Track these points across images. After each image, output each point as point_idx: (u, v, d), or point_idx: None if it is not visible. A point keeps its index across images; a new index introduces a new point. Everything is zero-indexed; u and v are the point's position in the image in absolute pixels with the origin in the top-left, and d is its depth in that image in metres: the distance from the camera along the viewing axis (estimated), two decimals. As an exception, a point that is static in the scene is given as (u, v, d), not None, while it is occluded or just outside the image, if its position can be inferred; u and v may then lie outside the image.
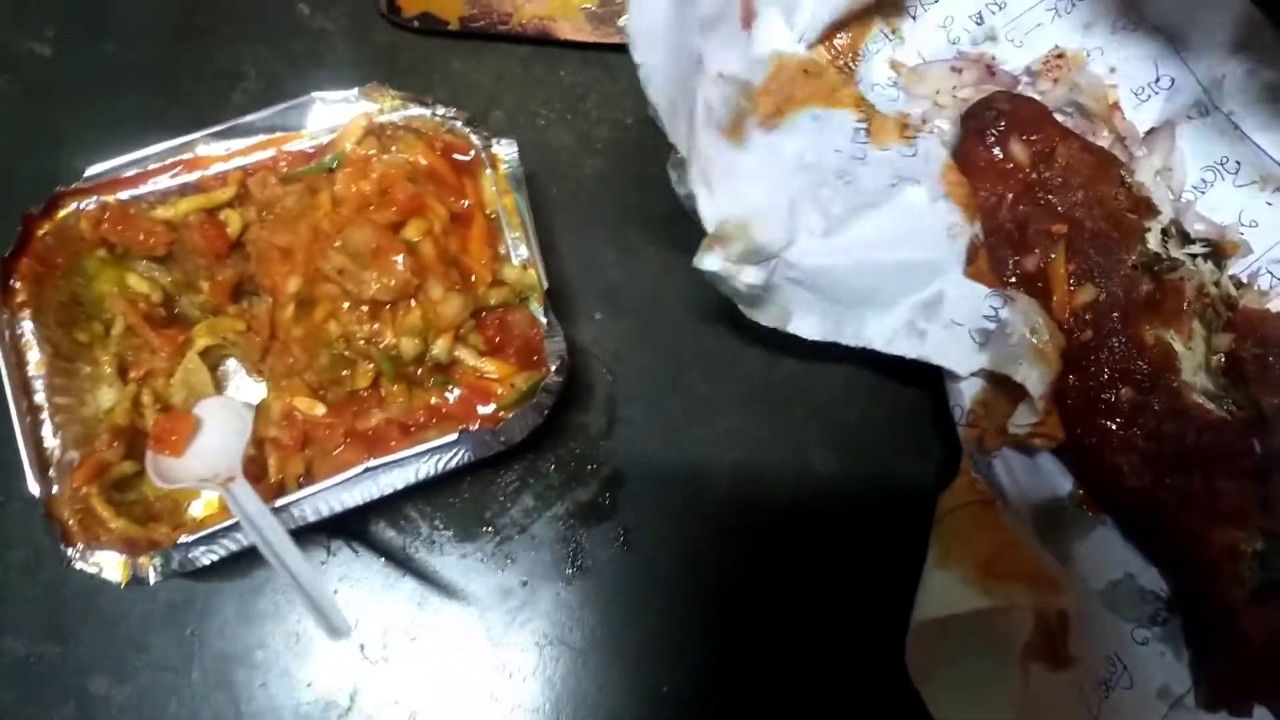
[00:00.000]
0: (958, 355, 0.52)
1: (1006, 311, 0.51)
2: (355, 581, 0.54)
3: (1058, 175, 0.54)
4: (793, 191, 0.52)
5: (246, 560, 0.52)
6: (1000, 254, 0.54)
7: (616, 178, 0.61)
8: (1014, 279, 0.53)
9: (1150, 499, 0.52)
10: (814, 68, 0.56)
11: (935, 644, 0.51)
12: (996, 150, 0.55)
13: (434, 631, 0.53)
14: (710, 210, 0.49)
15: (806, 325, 0.52)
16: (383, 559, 0.54)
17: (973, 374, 0.52)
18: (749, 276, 0.49)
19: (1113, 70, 0.59)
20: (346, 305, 0.49)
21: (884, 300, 0.52)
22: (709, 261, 0.49)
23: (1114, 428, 0.52)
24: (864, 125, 0.55)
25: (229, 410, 0.52)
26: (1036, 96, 0.59)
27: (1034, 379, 0.50)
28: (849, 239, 0.52)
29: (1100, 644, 0.53)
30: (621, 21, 0.61)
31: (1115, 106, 0.59)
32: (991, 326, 0.51)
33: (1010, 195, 0.54)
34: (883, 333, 0.52)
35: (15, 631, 0.52)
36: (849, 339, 0.52)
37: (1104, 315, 0.52)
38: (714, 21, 0.52)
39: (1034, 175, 0.54)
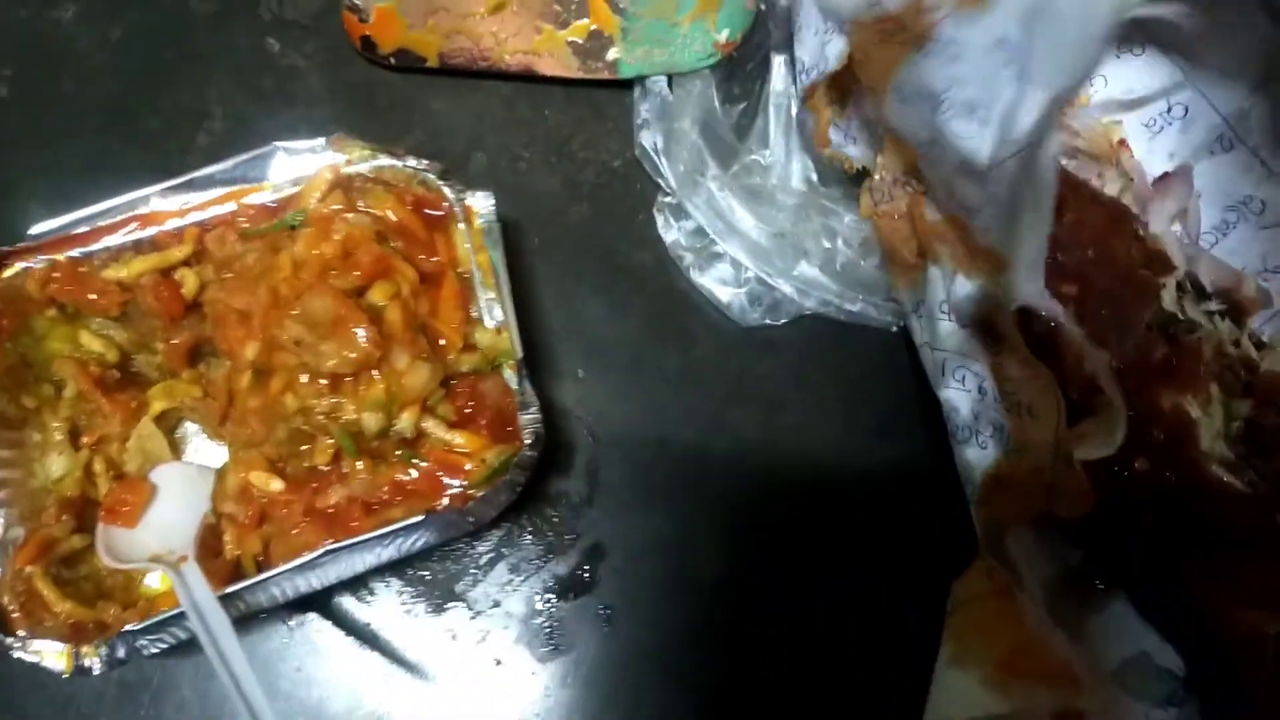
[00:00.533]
0: None
1: None
2: (319, 657, 0.51)
3: (1065, 231, 0.50)
4: None
5: (203, 639, 0.50)
6: None
7: (602, 225, 0.58)
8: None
9: (1169, 578, 0.49)
10: None
11: None
12: None
13: (401, 711, 0.50)
14: None
15: None
16: (346, 634, 0.51)
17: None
18: None
19: (1117, 103, 0.55)
20: (305, 377, 0.46)
21: None
22: None
23: (1128, 502, 0.49)
24: None
25: (186, 478, 0.50)
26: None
27: None
28: None
29: None
30: (610, 55, 0.58)
31: (1122, 144, 0.55)
32: None
33: None
34: None
35: (-41, 713, 0.50)
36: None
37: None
38: None
39: None
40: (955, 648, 0.47)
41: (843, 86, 0.53)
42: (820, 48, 0.51)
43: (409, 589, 0.52)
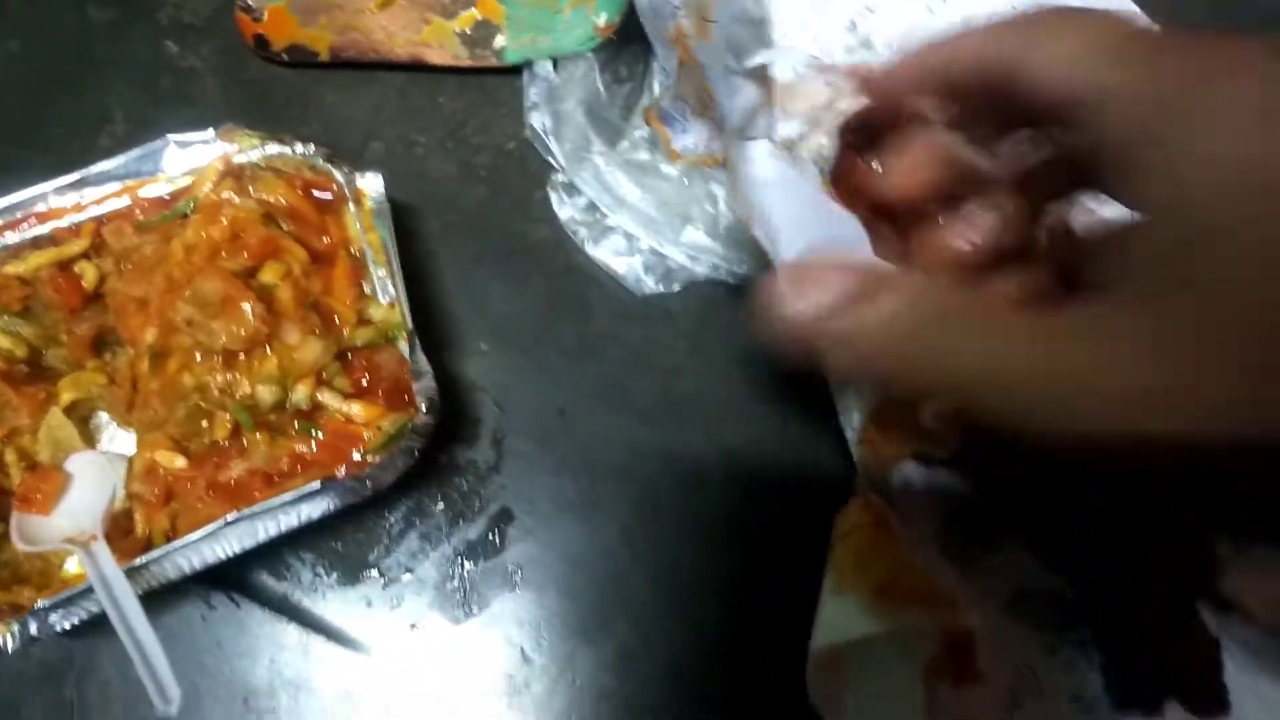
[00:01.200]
0: None
1: None
2: (238, 633, 0.52)
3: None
4: None
5: (122, 618, 0.51)
6: None
7: (499, 205, 0.60)
8: None
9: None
10: None
11: (836, 671, 0.50)
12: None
13: (319, 681, 0.52)
14: None
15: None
16: (263, 608, 0.53)
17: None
18: None
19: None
20: (199, 356, 0.48)
21: None
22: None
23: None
24: None
25: (97, 465, 0.51)
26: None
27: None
28: None
29: (1008, 656, 0.52)
30: (497, 43, 0.60)
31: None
32: None
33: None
34: None
35: (-120, 704, 0.51)
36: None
37: None
38: None
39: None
40: (836, 577, 0.49)
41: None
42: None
43: (322, 561, 0.54)
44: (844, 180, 0.54)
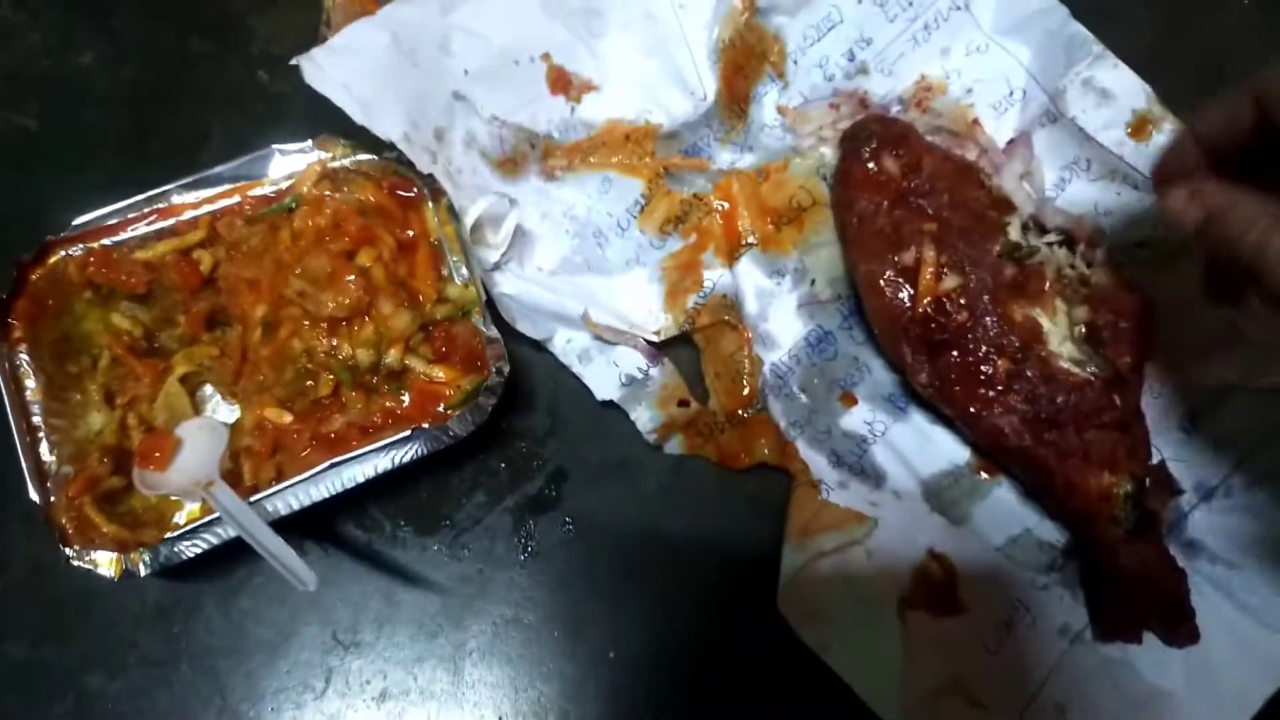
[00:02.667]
0: (602, 385, 0.63)
1: (655, 370, 0.62)
2: (326, 577, 0.59)
3: (925, 183, 0.62)
4: (541, 227, 0.64)
5: (227, 561, 0.58)
6: (880, 253, 0.61)
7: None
8: (894, 273, 0.61)
9: (1032, 456, 0.59)
10: (638, 135, 0.66)
11: (819, 611, 0.58)
12: (871, 165, 0.62)
13: (399, 618, 0.59)
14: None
15: (523, 325, 0.61)
16: (351, 556, 0.60)
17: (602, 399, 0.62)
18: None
19: (969, 90, 0.68)
20: (307, 324, 0.56)
21: (574, 327, 0.63)
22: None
23: (993, 395, 0.59)
24: (643, 201, 0.66)
25: (207, 428, 0.58)
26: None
27: (645, 418, 0.62)
28: (571, 285, 0.63)
29: (1001, 591, 0.60)
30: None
31: (976, 123, 0.67)
32: (639, 376, 0.63)
33: (885, 202, 0.62)
34: (563, 346, 0.63)
35: (17, 636, 0.57)
36: (540, 336, 0.62)
37: (976, 298, 0.59)
38: (486, 72, 0.62)
39: (905, 184, 0.62)
40: (786, 531, 0.59)
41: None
42: None
43: (401, 515, 0.61)
44: (845, 176, 0.63)
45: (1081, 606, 0.60)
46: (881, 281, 0.60)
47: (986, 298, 0.59)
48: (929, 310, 0.59)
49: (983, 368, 0.59)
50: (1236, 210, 0.46)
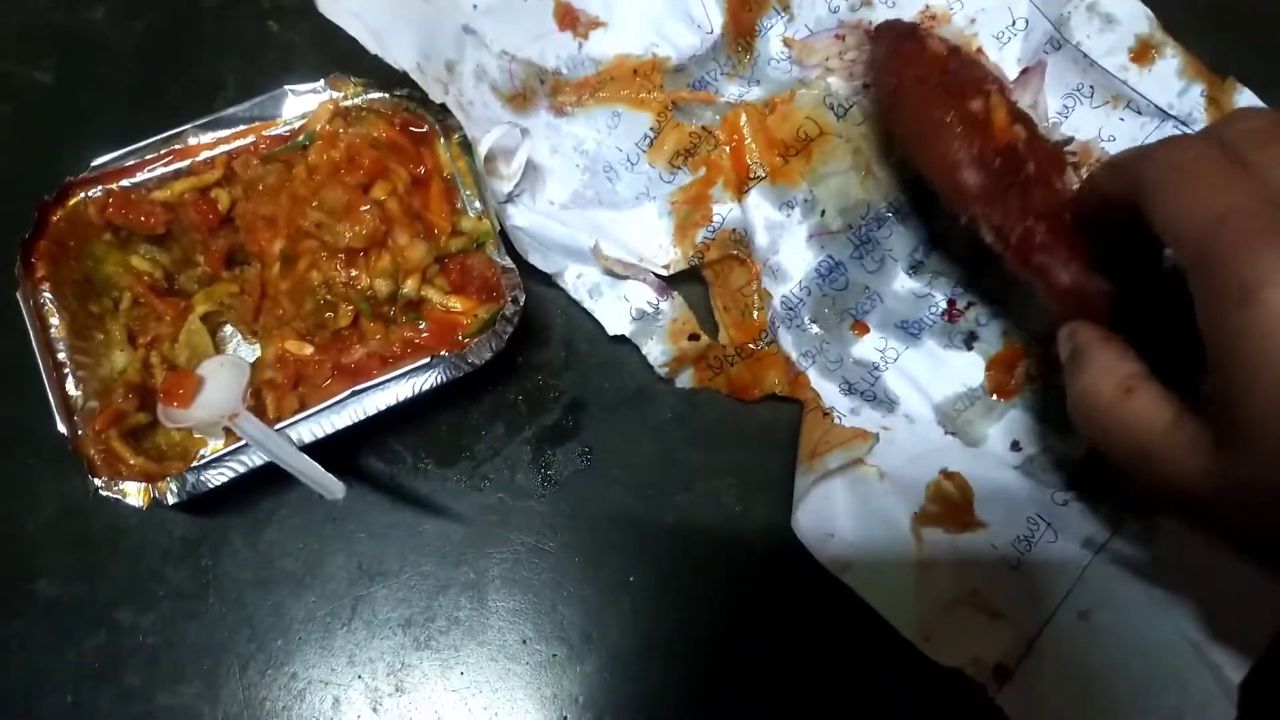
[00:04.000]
0: (613, 319, 0.63)
1: (665, 304, 0.63)
2: (351, 508, 0.60)
3: (966, 64, 0.62)
4: (552, 161, 0.65)
5: (252, 494, 0.59)
6: (944, 102, 0.59)
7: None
8: (954, 120, 0.57)
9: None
10: (646, 69, 0.66)
11: (835, 534, 0.58)
12: (918, 43, 0.62)
13: (423, 548, 0.60)
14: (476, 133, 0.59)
15: (534, 258, 0.62)
16: (374, 488, 0.61)
17: (614, 334, 0.63)
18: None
19: (973, 20, 0.68)
20: (325, 256, 0.57)
21: (585, 262, 0.63)
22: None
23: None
24: (652, 135, 0.66)
25: (229, 364, 0.59)
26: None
27: (656, 352, 0.63)
28: (582, 219, 0.64)
29: (1019, 507, 0.60)
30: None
31: (980, 52, 0.68)
32: (649, 310, 0.63)
33: (939, 70, 0.60)
34: (574, 281, 0.63)
35: (48, 575, 0.58)
36: (551, 270, 0.63)
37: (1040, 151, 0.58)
38: (494, 7, 0.63)
39: (951, 62, 0.61)
40: (797, 458, 0.60)
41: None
42: None
43: (423, 447, 0.62)
44: (894, 57, 0.62)
45: (1103, 521, 0.60)
46: (950, 120, 0.58)
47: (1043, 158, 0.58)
48: (1002, 155, 0.57)
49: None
50: (1086, 357, 0.49)
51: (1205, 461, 0.40)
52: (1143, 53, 0.66)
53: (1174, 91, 0.65)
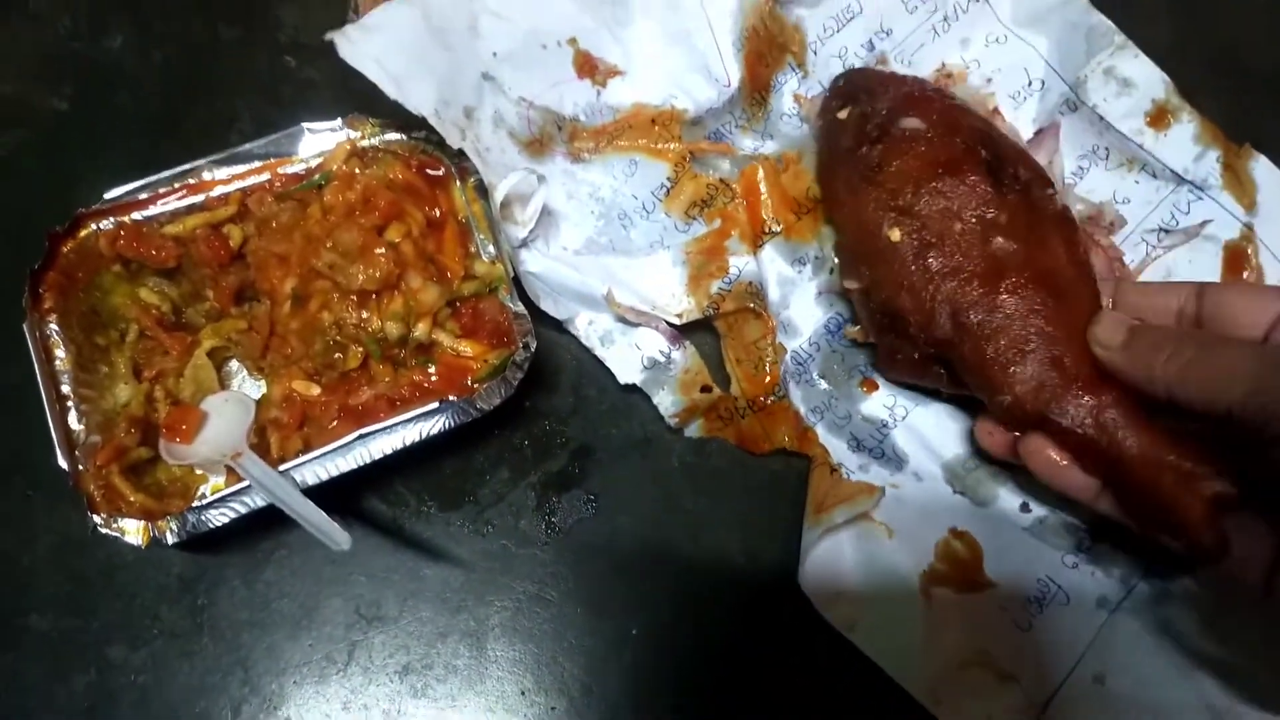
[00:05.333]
0: (625, 368, 0.63)
1: (677, 354, 0.63)
2: (349, 552, 0.59)
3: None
4: (567, 207, 0.65)
5: (251, 534, 0.58)
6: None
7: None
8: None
9: None
10: (664, 119, 0.66)
11: (843, 591, 0.58)
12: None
13: (423, 593, 0.59)
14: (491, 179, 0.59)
15: (546, 304, 0.62)
16: (376, 531, 0.60)
17: (624, 383, 0.62)
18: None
19: (989, 80, 0.69)
20: (337, 297, 0.56)
21: (597, 309, 0.63)
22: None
23: None
24: (669, 184, 0.66)
25: (234, 401, 0.59)
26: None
27: (667, 402, 0.63)
28: (595, 265, 0.63)
29: (1029, 568, 0.60)
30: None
31: (996, 111, 0.68)
32: (661, 359, 0.63)
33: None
34: (585, 328, 0.63)
35: (41, 609, 0.57)
36: (563, 316, 0.62)
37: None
38: (513, 54, 0.63)
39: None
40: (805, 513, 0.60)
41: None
42: None
43: (427, 491, 0.61)
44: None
45: (1115, 581, 0.60)
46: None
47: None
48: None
49: None
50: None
51: None
52: (1159, 117, 0.66)
53: (1190, 157, 0.66)
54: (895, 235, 0.56)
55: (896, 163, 0.58)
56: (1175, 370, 0.48)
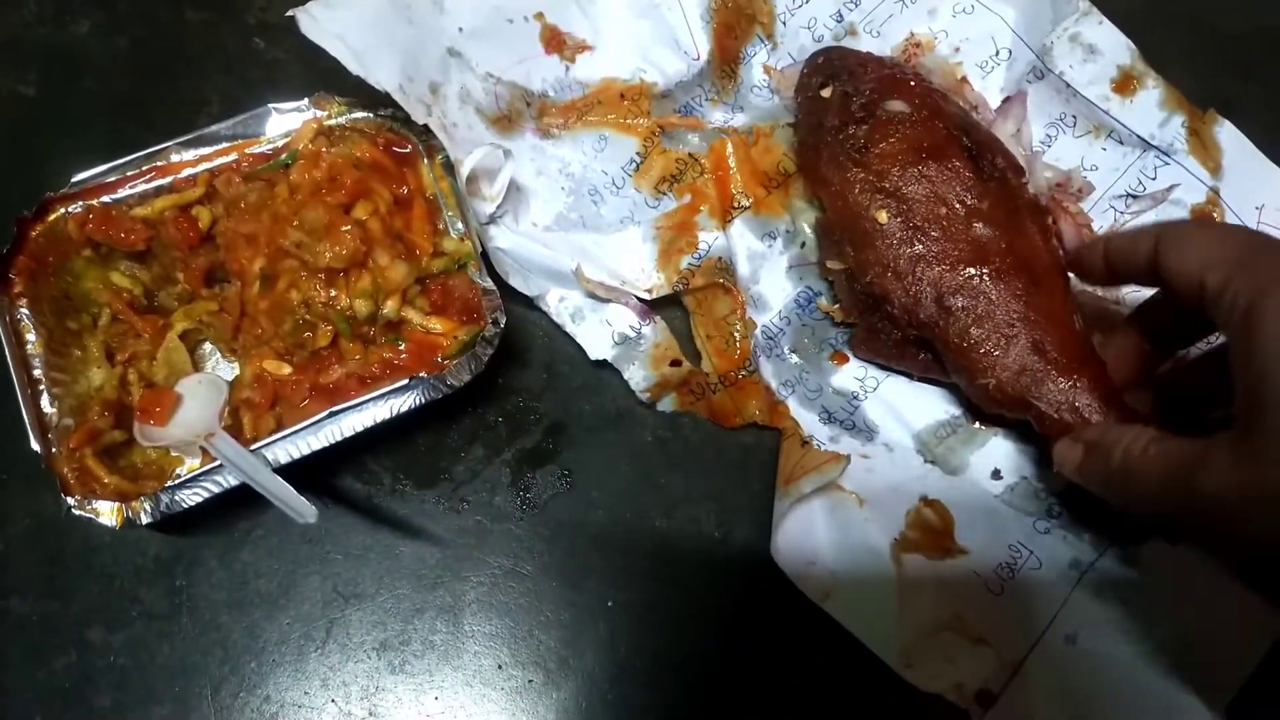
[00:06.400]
0: (595, 343, 0.63)
1: (647, 329, 0.63)
2: (327, 530, 0.60)
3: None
4: (536, 184, 0.65)
5: (228, 514, 0.59)
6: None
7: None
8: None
9: None
10: (634, 93, 0.66)
11: (815, 562, 0.58)
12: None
13: (399, 570, 0.59)
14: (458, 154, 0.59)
15: (515, 281, 0.62)
16: (351, 509, 0.60)
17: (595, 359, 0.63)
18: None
19: (957, 49, 0.69)
20: (305, 275, 0.56)
21: (568, 285, 0.63)
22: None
23: None
24: (639, 159, 0.66)
25: (206, 383, 0.59)
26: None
27: (638, 377, 0.63)
28: (565, 241, 0.64)
29: (1000, 535, 0.60)
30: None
31: (964, 80, 0.68)
32: (631, 335, 0.63)
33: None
34: (556, 305, 0.63)
35: (19, 592, 0.58)
36: (533, 293, 0.63)
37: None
38: (479, 30, 0.63)
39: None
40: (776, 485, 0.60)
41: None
42: None
43: (401, 468, 0.61)
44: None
45: (1087, 544, 0.61)
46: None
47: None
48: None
49: None
50: (1105, 439, 0.51)
51: (1234, 470, 0.43)
52: (1124, 83, 0.67)
53: (1155, 122, 0.66)
54: (882, 218, 0.58)
55: (882, 144, 0.60)
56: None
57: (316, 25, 0.56)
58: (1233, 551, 0.57)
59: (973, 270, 0.57)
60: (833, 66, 0.65)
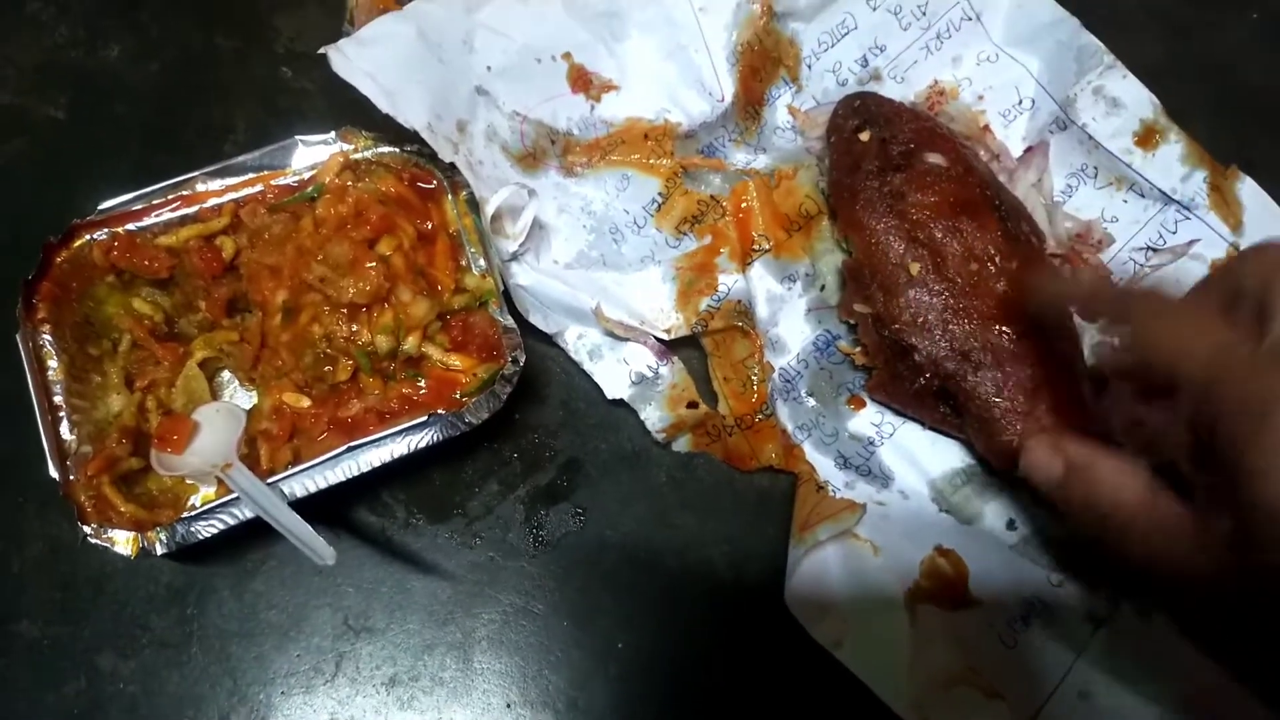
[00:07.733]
0: (613, 382, 0.63)
1: (665, 369, 0.63)
2: (339, 562, 0.59)
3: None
4: (559, 221, 0.65)
5: (241, 545, 0.59)
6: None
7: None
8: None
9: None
10: (657, 133, 0.67)
11: (828, 609, 0.58)
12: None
13: (410, 605, 0.59)
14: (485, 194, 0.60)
15: (535, 318, 0.62)
16: (364, 542, 0.60)
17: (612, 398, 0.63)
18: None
19: (980, 98, 0.69)
20: (327, 310, 0.57)
21: (586, 323, 0.63)
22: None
23: None
24: (661, 199, 0.67)
25: (224, 412, 0.59)
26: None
27: (654, 418, 0.63)
28: (585, 279, 0.64)
29: (1015, 586, 0.60)
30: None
31: (987, 129, 0.69)
32: (649, 375, 0.63)
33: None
34: (574, 342, 0.63)
35: (31, 616, 0.58)
36: (552, 330, 0.63)
37: None
38: (508, 69, 0.64)
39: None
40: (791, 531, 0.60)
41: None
42: None
43: (415, 503, 0.61)
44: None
45: (1101, 598, 0.60)
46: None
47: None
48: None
49: None
50: (1095, 469, 0.49)
51: (1221, 554, 0.42)
52: (1147, 137, 0.67)
53: (1177, 177, 0.66)
54: (915, 269, 0.59)
55: (919, 195, 0.60)
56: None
57: (348, 63, 0.56)
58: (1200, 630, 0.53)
59: (1000, 328, 0.57)
60: (869, 111, 0.65)
